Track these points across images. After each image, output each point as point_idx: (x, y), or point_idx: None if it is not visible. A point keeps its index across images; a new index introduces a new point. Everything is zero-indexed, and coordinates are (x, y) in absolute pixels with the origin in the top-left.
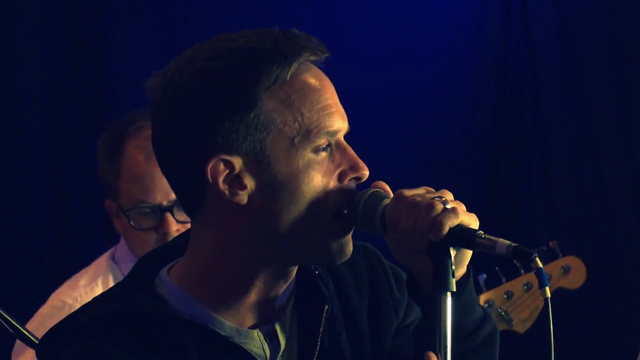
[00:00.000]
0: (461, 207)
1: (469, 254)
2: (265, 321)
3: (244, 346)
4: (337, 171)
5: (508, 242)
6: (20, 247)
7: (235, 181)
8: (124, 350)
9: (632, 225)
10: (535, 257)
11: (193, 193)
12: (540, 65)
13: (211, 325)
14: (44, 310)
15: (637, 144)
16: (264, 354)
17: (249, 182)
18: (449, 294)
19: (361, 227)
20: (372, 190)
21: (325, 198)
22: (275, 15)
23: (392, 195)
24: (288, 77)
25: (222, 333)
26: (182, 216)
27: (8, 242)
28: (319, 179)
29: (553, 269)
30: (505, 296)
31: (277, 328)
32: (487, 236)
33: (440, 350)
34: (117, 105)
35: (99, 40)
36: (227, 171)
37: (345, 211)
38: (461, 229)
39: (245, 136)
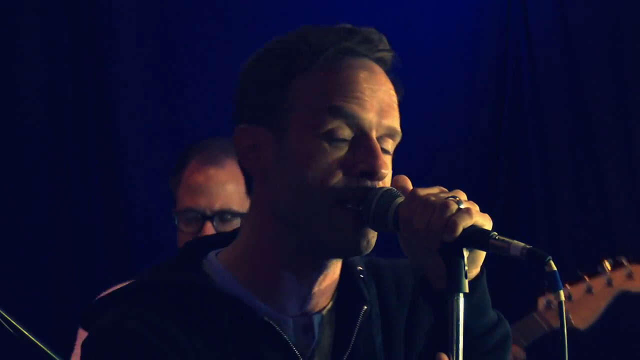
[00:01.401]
0: (475, 208)
1: (482, 255)
2: (303, 313)
3: (281, 332)
4: (351, 165)
5: (522, 244)
6: (20, 247)
7: (253, 151)
8: (160, 315)
9: (632, 226)
10: (549, 260)
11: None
12: (540, 65)
13: (250, 305)
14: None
15: (637, 144)
16: (296, 342)
17: (267, 156)
18: (461, 295)
19: (374, 225)
20: (385, 188)
21: (326, 186)
22: (275, 15)
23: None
24: (325, 63)
25: (264, 317)
26: (224, 227)
27: (8, 242)
28: (326, 166)
29: (617, 274)
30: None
31: (314, 321)
32: (501, 237)
33: (451, 352)
34: (117, 106)
35: (99, 40)
36: (250, 141)
37: (350, 205)
38: (475, 230)
39: (276, 109)
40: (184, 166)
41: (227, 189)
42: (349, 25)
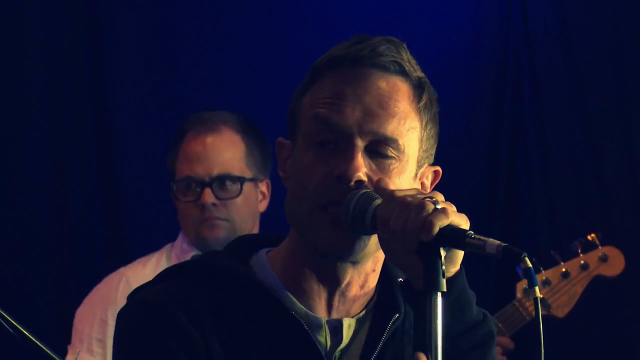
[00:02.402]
0: (451, 208)
1: (460, 254)
2: (334, 315)
3: (308, 329)
4: (330, 170)
5: (498, 242)
6: (20, 247)
7: (285, 164)
8: (192, 294)
9: (632, 226)
10: (524, 256)
11: None
12: (540, 65)
13: (283, 301)
14: (105, 278)
15: (637, 144)
16: (325, 344)
17: (289, 167)
18: (439, 294)
19: (353, 227)
20: (363, 190)
21: (307, 191)
22: (275, 16)
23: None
24: (323, 74)
25: (292, 312)
26: (224, 193)
27: (8, 242)
28: (309, 172)
29: (591, 257)
30: (543, 285)
31: (345, 324)
32: (477, 236)
33: (430, 351)
34: (117, 105)
35: (99, 40)
36: (283, 154)
37: (329, 208)
38: (451, 229)
39: (294, 120)
40: (181, 139)
41: (225, 155)
42: (361, 36)
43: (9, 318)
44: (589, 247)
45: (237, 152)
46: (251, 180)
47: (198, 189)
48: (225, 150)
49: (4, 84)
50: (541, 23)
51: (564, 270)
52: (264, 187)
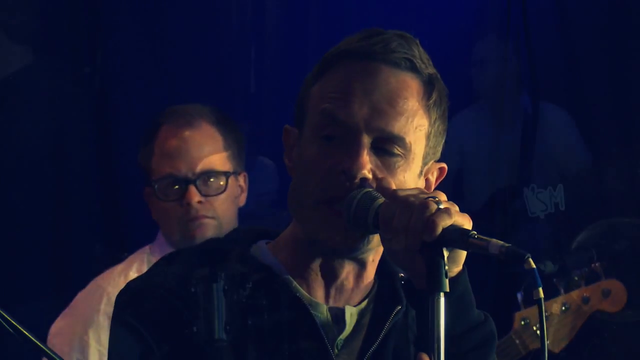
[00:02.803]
0: (454, 208)
1: (463, 254)
2: (331, 304)
3: (313, 314)
4: (334, 165)
5: (501, 242)
6: (20, 248)
7: (291, 151)
8: (191, 275)
9: (632, 227)
10: (528, 257)
11: None
12: (540, 66)
13: (289, 284)
14: (81, 293)
15: (637, 144)
16: (326, 329)
17: (295, 156)
18: (442, 294)
19: (354, 227)
20: (366, 189)
21: (311, 186)
22: (274, 15)
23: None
24: (332, 68)
25: (297, 293)
26: (208, 190)
27: (8, 243)
28: (314, 166)
29: (593, 291)
30: None
31: (347, 312)
32: (480, 237)
33: (433, 351)
34: (117, 105)
35: (99, 40)
36: (289, 142)
37: (332, 205)
38: (454, 230)
39: (301, 109)
40: (155, 134)
41: (206, 150)
42: (373, 30)
43: (9, 318)
44: (592, 277)
45: (216, 145)
46: (233, 174)
47: (181, 187)
48: (205, 145)
49: (3, 84)
50: (541, 22)
51: (564, 302)
52: (242, 180)
